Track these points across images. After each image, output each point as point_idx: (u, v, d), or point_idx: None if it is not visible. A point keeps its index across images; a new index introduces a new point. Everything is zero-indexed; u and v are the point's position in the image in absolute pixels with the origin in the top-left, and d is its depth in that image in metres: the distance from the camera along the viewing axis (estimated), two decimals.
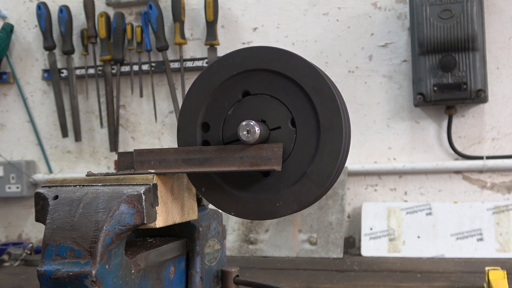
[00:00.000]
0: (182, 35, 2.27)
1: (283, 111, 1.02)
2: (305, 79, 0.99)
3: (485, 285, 1.42)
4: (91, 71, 2.39)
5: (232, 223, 2.13)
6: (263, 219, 1.04)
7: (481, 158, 2.04)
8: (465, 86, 1.96)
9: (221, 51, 2.27)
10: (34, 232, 2.50)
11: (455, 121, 2.07)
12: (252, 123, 0.97)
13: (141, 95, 2.35)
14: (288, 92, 1.01)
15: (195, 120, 1.06)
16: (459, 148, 2.07)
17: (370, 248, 2.01)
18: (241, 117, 1.03)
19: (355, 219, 2.16)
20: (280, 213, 1.02)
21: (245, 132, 0.97)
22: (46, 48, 2.41)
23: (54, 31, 2.41)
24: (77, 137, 2.42)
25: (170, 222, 1.04)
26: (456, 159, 2.08)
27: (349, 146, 1.06)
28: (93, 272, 0.89)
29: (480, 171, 2.06)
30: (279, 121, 1.02)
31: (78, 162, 2.46)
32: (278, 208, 1.02)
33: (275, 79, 1.02)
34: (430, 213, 2.01)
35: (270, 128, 1.02)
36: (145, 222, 0.96)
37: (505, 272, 1.35)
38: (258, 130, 0.97)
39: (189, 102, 1.07)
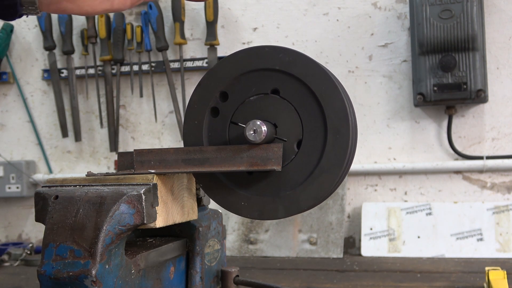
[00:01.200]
0: (182, 35, 2.27)
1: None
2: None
3: (485, 285, 1.42)
4: (91, 71, 2.39)
5: (232, 223, 2.13)
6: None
7: (481, 158, 2.04)
8: (465, 86, 1.96)
9: (221, 51, 2.27)
10: (34, 232, 2.50)
11: (455, 121, 2.07)
12: (258, 123, 0.97)
13: (141, 95, 2.35)
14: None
15: (216, 88, 1.05)
16: (459, 148, 2.07)
17: (370, 248, 2.01)
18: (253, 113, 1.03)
19: (355, 219, 2.16)
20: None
21: (251, 132, 0.97)
22: (46, 48, 2.41)
23: (54, 31, 2.41)
24: (77, 137, 2.42)
25: (170, 222, 1.04)
26: (456, 159, 2.08)
27: (353, 157, 1.06)
28: (93, 272, 0.89)
29: (480, 171, 2.06)
30: (288, 127, 1.02)
31: (78, 162, 2.46)
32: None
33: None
34: (430, 213, 2.01)
35: (278, 135, 1.02)
36: (145, 222, 0.96)
37: (505, 272, 1.34)
38: (264, 130, 0.97)
39: (221, 68, 1.06)
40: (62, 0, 0.91)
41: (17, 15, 0.89)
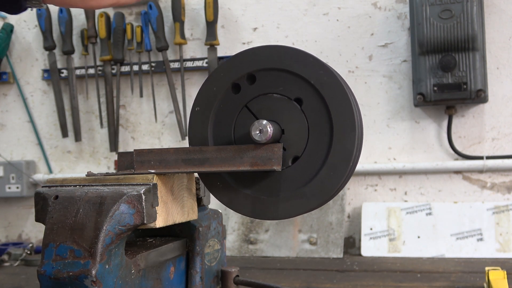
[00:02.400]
0: (182, 35, 2.27)
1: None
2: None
3: (485, 285, 1.42)
4: (91, 71, 2.39)
5: (232, 223, 2.13)
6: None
7: (481, 158, 2.04)
8: (465, 86, 1.96)
9: (221, 51, 2.27)
10: (34, 232, 2.50)
11: (455, 121, 2.07)
12: (264, 123, 0.96)
13: (141, 95, 2.35)
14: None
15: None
16: (459, 148, 2.07)
17: (370, 248, 2.01)
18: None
19: (355, 219, 2.16)
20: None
21: (257, 132, 0.97)
22: (46, 48, 2.41)
23: (54, 31, 2.41)
24: (77, 137, 2.42)
25: (170, 222, 1.04)
26: (456, 159, 2.08)
27: (357, 164, 1.06)
28: (93, 272, 0.89)
29: (480, 171, 2.06)
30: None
31: (78, 162, 2.46)
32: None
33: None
34: (430, 213, 2.01)
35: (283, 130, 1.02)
36: (145, 222, 0.96)
37: (505, 272, 1.34)
38: (270, 130, 0.96)
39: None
40: None
41: (21, 9, 0.89)
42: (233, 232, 2.11)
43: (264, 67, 1.02)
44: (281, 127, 1.01)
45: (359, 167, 2.12)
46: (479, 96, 1.96)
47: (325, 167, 0.98)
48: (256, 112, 1.03)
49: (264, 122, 0.96)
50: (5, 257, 2.04)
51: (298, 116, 1.01)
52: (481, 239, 1.93)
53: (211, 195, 1.16)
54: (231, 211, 2.12)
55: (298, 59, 1.01)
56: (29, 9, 0.93)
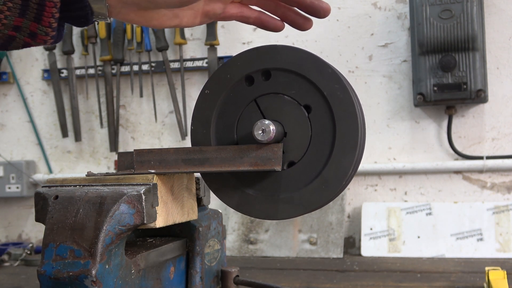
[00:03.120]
0: (182, 35, 2.27)
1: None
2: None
3: (485, 285, 1.42)
4: (91, 71, 2.39)
5: (232, 223, 2.13)
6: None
7: (481, 158, 2.04)
8: (465, 86, 1.96)
9: (221, 51, 2.27)
10: (34, 232, 2.50)
11: (455, 121, 2.07)
12: (267, 122, 0.96)
13: (141, 95, 2.35)
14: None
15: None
16: (459, 148, 2.07)
17: (370, 248, 2.01)
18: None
19: (355, 219, 2.16)
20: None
21: (260, 131, 0.96)
22: (46, 48, 2.41)
23: None
24: (77, 137, 2.42)
25: (170, 222, 1.04)
26: (456, 159, 2.08)
27: (360, 161, 1.06)
28: (93, 272, 0.89)
29: (480, 171, 2.06)
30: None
31: (78, 162, 2.46)
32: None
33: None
34: (430, 213, 2.01)
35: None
36: (145, 222, 0.96)
37: (505, 272, 1.34)
38: (273, 129, 0.96)
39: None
40: (130, 12, 0.91)
41: (88, 23, 0.91)
42: (233, 232, 2.11)
43: (282, 67, 1.02)
44: (284, 129, 1.01)
45: (359, 167, 2.12)
46: (479, 96, 1.96)
47: (318, 179, 0.98)
48: (263, 109, 1.02)
49: (267, 122, 0.96)
50: (5, 257, 2.04)
51: (303, 122, 1.00)
52: (481, 239, 1.93)
53: (211, 195, 1.16)
54: (231, 211, 2.13)
55: (317, 67, 0.99)
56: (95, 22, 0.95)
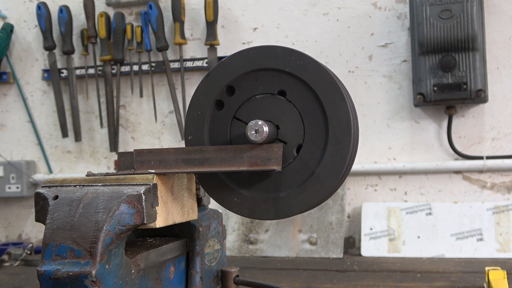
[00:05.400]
0: (182, 35, 2.27)
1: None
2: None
3: (485, 285, 1.42)
4: (91, 71, 2.39)
5: (232, 223, 2.13)
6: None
7: (481, 158, 2.04)
8: (465, 86, 1.96)
9: (221, 51, 2.27)
10: (34, 232, 2.50)
11: (455, 121, 2.07)
12: (260, 123, 0.97)
13: (141, 95, 2.35)
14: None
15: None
16: (459, 148, 2.07)
17: (370, 248, 2.01)
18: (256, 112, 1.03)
19: (355, 219, 2.16)
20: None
21: (253, 132, 0.97)
22: (46, 48, 2.41)
23: (54, 31, 2.41)
24: (77, 137, 2.42)
25: (170, 222, 1.04)
26: (456, 159, 2.08)
27: (351, 168, 1.06)
28: (93, 272, 0.89)
29: (480, 171, 2.06)
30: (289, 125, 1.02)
31: (78, 162, 2.46)
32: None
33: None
34: (430, 213, 2.01)
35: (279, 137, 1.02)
36: (145, 222, 0.96)
37: (505, 272, 1.35)
38: (266, 130, 0.96)
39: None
40: None
41: None
42: (233, 232, 2.11)
43: (238, 74, 1.03)
44: (274, 123, 1.02)
45: (359, 167, 2.13)
46: (479, 96, 1.96)
47: (329, 142, 0.98)
48: (246, 119, 1.04)
49: (260, 122, 0.96)
50: (5, 257, 2.04)
51: (286, 107, 1.02)
52: (481, 239, 1.93)
53: None
54: None
55: (266, 54, 1.02)
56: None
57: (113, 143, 2.37)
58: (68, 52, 2.38)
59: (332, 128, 0.98)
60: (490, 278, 1.35)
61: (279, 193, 1.01)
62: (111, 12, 2.38)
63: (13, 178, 2.44)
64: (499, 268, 1.38)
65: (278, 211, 1.02)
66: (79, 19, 2.41)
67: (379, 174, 2.14)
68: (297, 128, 1.01)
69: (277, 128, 1.02)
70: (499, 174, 2.06)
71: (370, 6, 2.14)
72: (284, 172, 1.01)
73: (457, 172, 2.08)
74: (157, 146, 2.36)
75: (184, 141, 1.10)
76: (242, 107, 1.04)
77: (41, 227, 2.41)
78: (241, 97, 1.04)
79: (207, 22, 2.23)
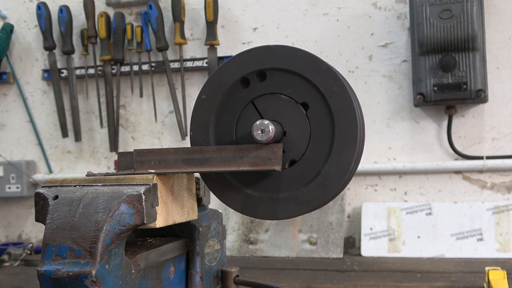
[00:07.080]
0: (182, 35, 2.27)
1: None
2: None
3: (485, 285, 1.42)
4: (91, 71, 2.39)
5: (232, 223, 2.13)
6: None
7: (481, 158, 2.04)
8: (465, 86, 1.96)
9: (221, 51, 2.27)
10: (34, 232, 2.50)
11: (455, 121, 2.07)
12: (266, 122, 0.96)
13: (141, 95, 2.35)
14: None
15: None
16: (459, 148, 2.07)
17: (370, 248, 2.01)
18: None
19: (355, 219, 2.16)
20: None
21: (259, 131, 0.97)
22: (46, 48, 2.41)
23: (54, 31, 2.41)
24: (77, 137, 2.42)
25: (170, 222, 1.04)
26: (456, 159, 2.08)
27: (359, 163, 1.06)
28: (93, 272, 0.89)
29: (480, 171, 2.06)
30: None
31: (78, 162, 2.46)
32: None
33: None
34: (430, 213, 2.01)
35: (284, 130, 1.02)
36: (145, 222, 0.96)
37: (505, 272, 1.35)
38: (272, 129, 0.96)
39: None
40: None
41: None
42: (233, 232, 2.11)
43: (277, 66, 1.02)
44: (283, 128, 1.01)
45: (359, 167, 2.12)
46: (479, 96, 1.96)
47: (320, 175, 0.98)
48: (261, 110, 1.03)
49: (266, 122, 0.96)
50: (5, 257, 2.04)
51: (302, 120, 1.01)
52: (481, 239, 1.93)
53: (211, 195, 1.16)
54: (231, 211, 2.13)
55: (311, 64, 1.00)
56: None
57: (113, 143, 2.37)
58: (68, 52, 2.38)
59: (329, 165, 0.98)
60: (490, 278, 1.35)
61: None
62: (111, 12, 2.38)
63: (13, 178, 2.44)
64: (499, 268, 1.38)
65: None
66: (79, 19, 2.41)
67: (379, 174, 2.14)
68: (301, 144, 1.00)
69: (284, 134, 1.01)
70: (499, 174, 2.06)
71: (370, 6, 2.15)
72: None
73: (457, 172, 2.08)
74: (157, 146, 2.36)
75: (189, 125, 1.08)
76: (264, 97, 1.03)
77: (41, 227, 2.41)
78: (268, 87, 1.03)
79: (207, 22, 2.23)
